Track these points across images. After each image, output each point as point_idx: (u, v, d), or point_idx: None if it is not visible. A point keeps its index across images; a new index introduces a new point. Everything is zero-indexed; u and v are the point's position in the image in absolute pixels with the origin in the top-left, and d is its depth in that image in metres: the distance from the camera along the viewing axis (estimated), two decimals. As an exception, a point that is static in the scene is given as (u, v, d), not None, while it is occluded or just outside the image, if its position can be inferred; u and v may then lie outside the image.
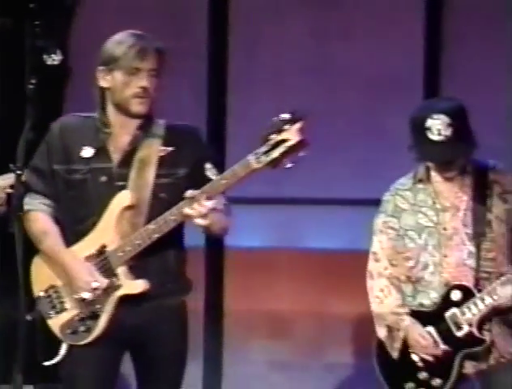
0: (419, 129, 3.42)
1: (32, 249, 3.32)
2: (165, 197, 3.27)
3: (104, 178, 3.31)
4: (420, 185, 3.52)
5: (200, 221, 3.14)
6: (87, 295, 3.24)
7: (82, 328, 3.28)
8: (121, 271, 3.25)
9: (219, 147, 5.87)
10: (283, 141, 3.12)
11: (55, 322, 3.31)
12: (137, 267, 3.27)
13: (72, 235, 3.33)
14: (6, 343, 3.87)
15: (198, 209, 3.12)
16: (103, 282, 3.24)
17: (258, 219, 5.97)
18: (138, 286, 3.24)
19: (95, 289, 3.23)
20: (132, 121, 3.33)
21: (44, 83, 3.47)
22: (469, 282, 3.43)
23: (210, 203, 3.12)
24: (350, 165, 5.82)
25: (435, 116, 3.39)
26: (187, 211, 3.14)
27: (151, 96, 3.30)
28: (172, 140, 3.33)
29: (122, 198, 3.27)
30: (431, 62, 5.72)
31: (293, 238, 5.98)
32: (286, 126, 3.12)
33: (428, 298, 3.48)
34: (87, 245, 3.29)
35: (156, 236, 3.19)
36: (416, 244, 3.49)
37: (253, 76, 5.93)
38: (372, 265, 3.61)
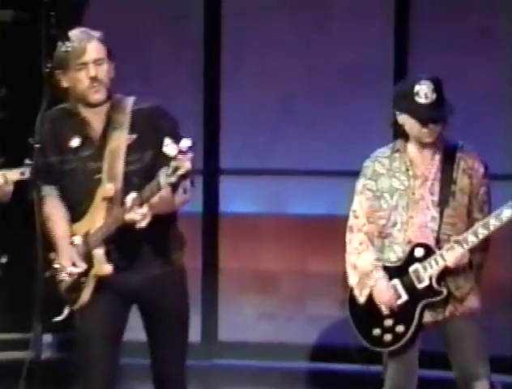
0: (408, 95, 3.41)
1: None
2: (137, 182, 3.18)
3: (91, 164, 3.25)
4: (397, 155, 3.50)
5: (138, 225, 3.08)
6: (65, 276, 3.24)
7: (73, 295, 3.26)
8: (96, 253, 3.20)
9: (215, 122, 5.91)
10: (178, 168, 2.98)
11: (62, 287, 3.28)
12: (128, 255, 3.24)
13: (72, 218, 3.30)
14: (28, 295, 3.88)
15: (134, 217, 3.05)
16: (78, 267, 3.21)
17: (249, 188, 5.99)
18: (104, 269, 3.19)
19: (70, 273, 3.22)
20: (101, 109, 3.26)
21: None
22: (429, 242, 3.43)
23: (144, 210, 3.06)
24: (329, 141, 5.83)
25: (422, 82, 3.39)
26: (126, 218, 3.08)
27: (103, 83, 3.21)
28: (137, 126, 3.23)
29: (104, 190, 3.21)
30: (400, 51, 5.73)
31: (280, 205, 5.99)
32: (180, 156, 2.96)
33: (394, 252, 3.47)
34: (80, 228, 3.26)
35: (113, 227, 3.14)
36: (388, 204, 3.48)
37: (244, 64, 5.94)
38: (352, 221, 3.58)
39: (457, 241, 3.37)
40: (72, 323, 3.54)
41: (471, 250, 3.39)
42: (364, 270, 3.49)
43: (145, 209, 3.05)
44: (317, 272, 5.88)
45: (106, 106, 3.25)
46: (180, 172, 2.96)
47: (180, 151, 2.95)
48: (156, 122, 3.25)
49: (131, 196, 3.08)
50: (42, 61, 3.30)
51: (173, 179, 2.97)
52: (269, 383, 5.61)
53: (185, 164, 2.96)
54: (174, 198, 3.15)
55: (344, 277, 3.64)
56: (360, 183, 3.55)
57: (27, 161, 3.26)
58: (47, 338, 5.09)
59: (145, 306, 3.32)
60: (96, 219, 3.21)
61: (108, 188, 3.19)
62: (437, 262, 3.39)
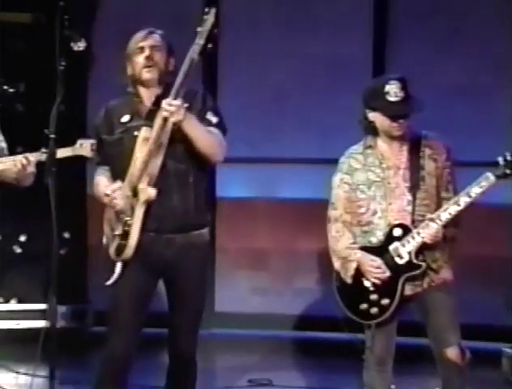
0: (378, 94, 3.42)
1: (62, 198, 3.34)
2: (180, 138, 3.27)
3: (136, 133, 3.31)
4: (369, 151, 3.51)
5: (173, 118, 3.14)
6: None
7: (123, 244, 3.26)
8: (140, 186, 3.22)
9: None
10: (202, 32, 3.20)
11: (111, 249, 3.31)
12: (162, 205, 3.25)
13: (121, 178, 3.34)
14: (45, 271, 3.93)
15: (169, 108, 3.14)
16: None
17: (243, 175, 6.03)
18: (148, 193, 3.20)
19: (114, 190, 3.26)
20: (155, 90, 3.33)
21: (72, 66, 3.51)
22: (407, 222, 3.45)
23: (177, 102, 3.15)
24: (316, 132, 5.89)
25: (391, 82, 3.40)
26: (163, 114, 3.17)
27: (157, 65, 3.32)
28: (186, 100, 3.27)
29: (142, 134, 3.26)
30: (378, 51, 5.80)
31: (272, 191, 6.03)
32: (205, 16, 3.22)
33: (375, 237, 3.47)
34: (126, 179, 3.29)
35: (153, 147, 3.19)
36: (366, 195, 3.48)
37: (238, 61, 5.97)
38: (330, 212, 3.58)
39: (431, 219, 3.39)
40: (86, 296, 3.58)
41: (445, 226, 3.40)
42: (343, 254, 3.52)
43: (179, 101, 3.14)
44: (304, 250, 5.93)
45: (160, 88, 3.33)
46: (206, 31, 3.19)
47: (202, 14, 3.22)
48: (200, 100, 3.35)
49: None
50: (57, 59, 3.34)
51: (200, 42, 3.19)
52: (260, 351, 5.64)
53: (208, 23, 3.20)
54: (209, 131, 3.28)
55: (329, 254, 3.63)
56: (337, 178, 3.56)
57: (43, 150, 3.34)
58: (61, 309, 5.14)
59: (169, 280, 3.35)
60: (137, 163, 3.27)
61: (144, 129, 3.25)
62: (414, 239, 3.41)
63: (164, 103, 3.18)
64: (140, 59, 3.33)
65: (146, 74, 3.31)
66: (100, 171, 3.46)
